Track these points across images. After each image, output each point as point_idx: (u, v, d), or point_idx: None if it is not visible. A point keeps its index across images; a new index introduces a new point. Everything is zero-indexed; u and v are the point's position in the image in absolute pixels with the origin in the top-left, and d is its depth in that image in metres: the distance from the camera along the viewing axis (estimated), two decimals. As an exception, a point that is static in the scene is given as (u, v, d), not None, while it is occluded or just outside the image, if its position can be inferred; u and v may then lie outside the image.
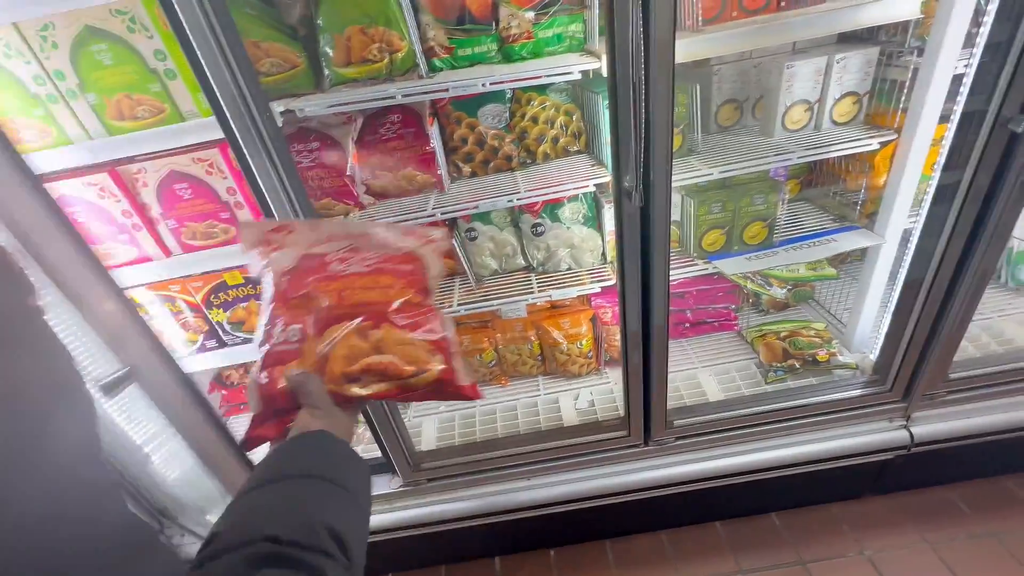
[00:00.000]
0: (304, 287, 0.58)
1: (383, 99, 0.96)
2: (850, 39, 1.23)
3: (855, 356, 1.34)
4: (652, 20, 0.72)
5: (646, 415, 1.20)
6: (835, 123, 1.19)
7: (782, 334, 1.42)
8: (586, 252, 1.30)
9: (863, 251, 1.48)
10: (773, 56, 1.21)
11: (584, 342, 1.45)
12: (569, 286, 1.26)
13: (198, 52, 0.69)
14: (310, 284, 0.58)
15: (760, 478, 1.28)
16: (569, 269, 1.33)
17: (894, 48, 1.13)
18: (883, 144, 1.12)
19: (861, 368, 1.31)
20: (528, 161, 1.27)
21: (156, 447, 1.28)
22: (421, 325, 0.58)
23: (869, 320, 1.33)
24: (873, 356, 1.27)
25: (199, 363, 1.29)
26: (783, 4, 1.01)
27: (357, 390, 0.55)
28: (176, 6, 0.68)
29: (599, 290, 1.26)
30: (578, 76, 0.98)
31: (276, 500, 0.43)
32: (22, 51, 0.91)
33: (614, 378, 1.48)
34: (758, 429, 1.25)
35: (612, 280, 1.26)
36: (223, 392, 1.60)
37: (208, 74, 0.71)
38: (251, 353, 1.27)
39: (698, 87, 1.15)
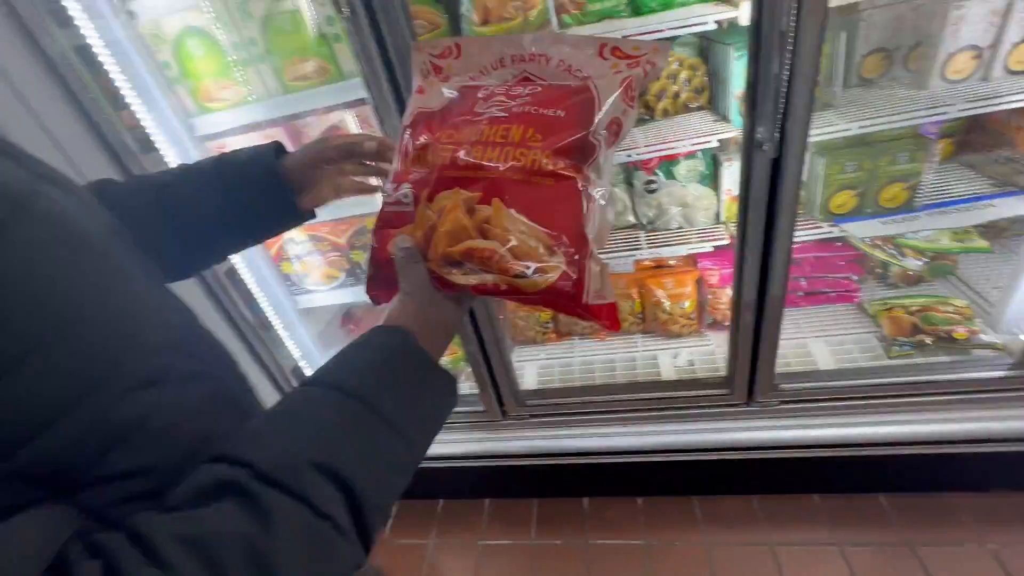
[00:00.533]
0: (426, 135, 0.49)
1: (519, 55, 1.02)
2: (1042, -28, 1.06)
3: (1002, 336, 1.22)
4: (809, -40, 0.70)
5: (751, 374, 1.20)
6: (1010, 71, 1.05)
7: (912, 309, 1.32)
8: (699, 211, 1.30)
9: (1026, 223, 1.31)
10: (938, -3, 1.09)
11: (688, 303, 1.46)
12: (679, 244, 1.28)
13: (379, 17, 0.80)
14: (435, 131, 0.48)
15: (871, 454, 1.23)
16: (680, 228, 1.33)
17: (1102, -21, 0.96)
18: (1073, 95, 0.97)
19: (1008, 350, 1.19)
20: (647, 117, 1.28)
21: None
22: (544, 206, 0.43)
23: (1025, 298, 1.19)
24: (1026, 337, 1.15)
25: (338, 297, 1.49)
26: (961, -65, 0.90)
27: (458, 277, 0.43)
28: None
29: (711, 249, 1.26)
30: (714, 26, 0.97)
31: (283, 418, 0.37)
32: (226, 22, 1.09)
33: (716, 341, 1.48)
34: (874, 402, 1.20)
35: (725, 240, 1.25)
36: (351, 327, 1.83)
37: (386, 34, 0.82)
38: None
39: (843, 35, 1.07)
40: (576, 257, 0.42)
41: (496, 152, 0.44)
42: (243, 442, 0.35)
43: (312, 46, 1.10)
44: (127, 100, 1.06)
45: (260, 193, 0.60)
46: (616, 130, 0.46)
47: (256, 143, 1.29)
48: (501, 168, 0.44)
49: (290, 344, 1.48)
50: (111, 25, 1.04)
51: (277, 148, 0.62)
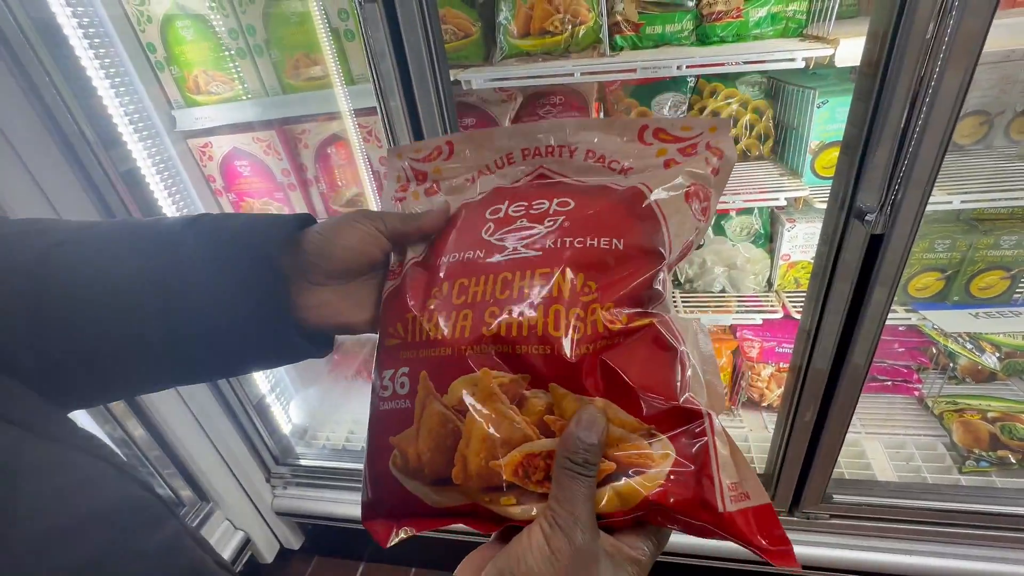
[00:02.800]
0: (420, 289, 0.35)
1: (561, 76, 0.86)
2: None
3: (1104, 465, 1.02)
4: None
5: (800, 481, 0.99)
6: None
7: (990, 415, 1.12)
8: (748, 275, 1.11)
9: None
10: (1062, 58, 0.92)
11: (721, 376, 1.26)
12: (721, 311, 1.09)
13: (398, 8, 0.64)
14: (433, 280, 0.35)
15: (934, 588, 1.02)
16: (723, 291, 1.15)
17: None
18: None
19: (1113, 483, 0.98)
20: (697, 162, 1.11)
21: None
22: (620, 377, 0.29)
23: None
24: None
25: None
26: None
27: (510, 507, 0.29)
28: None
29: (759, 322, 1.07)
30: (802, 64, 0.80)
31: None
32: (224, 4, 0.93)
33: (749, 423, 1.28)
34: (945, 530, 0.99)
35: (778, 312, 1.07)
36: (335, 357, 1.64)
37: (403, 35, 0.65)
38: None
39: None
40: (689, 438, 0.28)
41: (539, 314, 0.30)
42: None
43: (320, 42, 0.94)
44: (94, 84, 0.89)
45: (232, 293, 0.33)
46: (686, 252, 0.35)
47: (245, 144, 1.03)
48: (551, 337, 0.30)
49: (259, 374, 1.28)
50: (92, -2, 0.89)
51: (302, 221, 0.37)
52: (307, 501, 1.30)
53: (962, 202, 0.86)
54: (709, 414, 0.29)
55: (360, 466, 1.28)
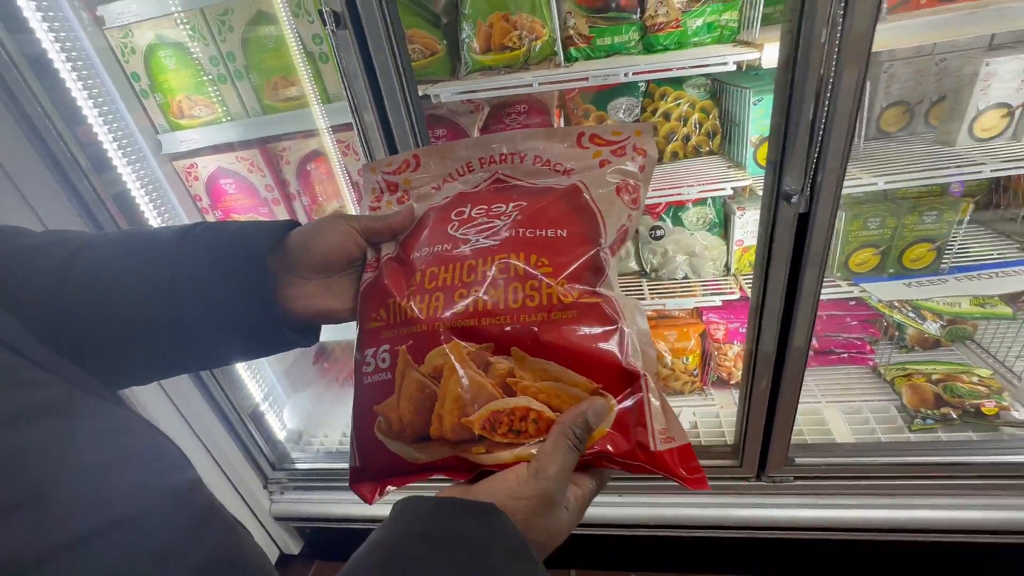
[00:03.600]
0: (397, 277, 0.40)
1: (521, 87, 0.94)
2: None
3: (1033, 414, 1.12)
4: (851, 6, 0.63)
5: (764, 447, 1.08)
6: (1042, 133, 0.99)
7: (934, 377, 1.22)
8: (707, 261, 1.20)
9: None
10: (964, 52, 1.04)
11: (690, 358, 1.35)
12: (686, 296, 1.18)
13: (367, 34, 0.71)
14: (408, 270, 0.40)
15: (892, 539, 1.11)
16: (685, 278, 1.24)
17: None
18: (1113, 160, 0.91)
19: (1042, 429, 1.09)
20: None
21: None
22: (572, 345, 0.35)
23: (1058, 373, 1.10)
24: (1062, 417, 1.05)
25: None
26: (995, -12, 0.85)
27: (481, 455, 0.34)
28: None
29: (719, 304, 1.16)
30: (733, 67, 0.89)
31: None
32: (204, 34, 1.00)
33: (720, 400, 1.36)
34: (898, 483, 1.08)
35: (735, 294, 1.16)
36: (325, 364, 1.69)
37: (373, 57, 0.72)
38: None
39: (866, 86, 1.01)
40: (629, 395, 0.34)
41: (500, 291, 0.36)
42: None
43: (296, 65, 1.01)
44: (84, 113, 0.95)
45: (228, 289, 0.39)
46: (623, 237, 0.41)
47: (229, 163, 1.10)
48: (511, 309, 0.36)
49: (252, 384, 1.33)
50: (76, 33, 0.94)
51: (288, 226, 0.43)
52: (304, 504, 1.35)
53: (885, 183, 0.96)
54: (645, 375, 0.35)
55: (354, 465, 1.33)
